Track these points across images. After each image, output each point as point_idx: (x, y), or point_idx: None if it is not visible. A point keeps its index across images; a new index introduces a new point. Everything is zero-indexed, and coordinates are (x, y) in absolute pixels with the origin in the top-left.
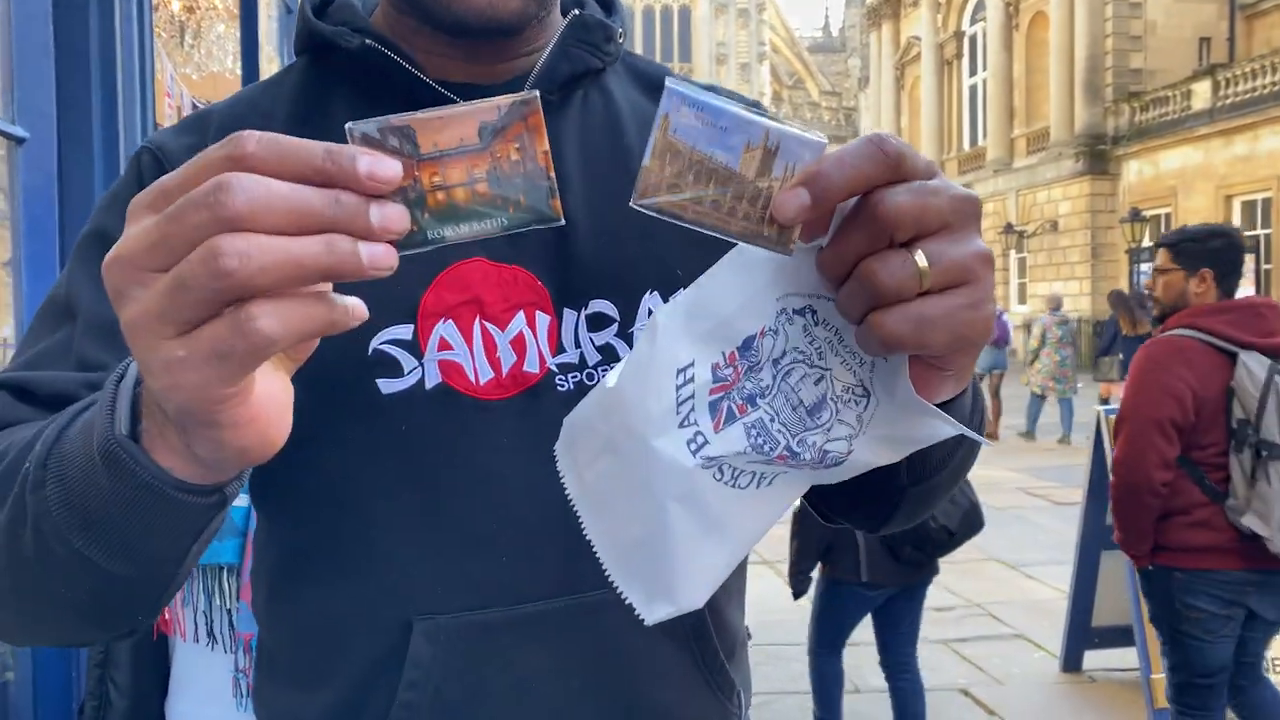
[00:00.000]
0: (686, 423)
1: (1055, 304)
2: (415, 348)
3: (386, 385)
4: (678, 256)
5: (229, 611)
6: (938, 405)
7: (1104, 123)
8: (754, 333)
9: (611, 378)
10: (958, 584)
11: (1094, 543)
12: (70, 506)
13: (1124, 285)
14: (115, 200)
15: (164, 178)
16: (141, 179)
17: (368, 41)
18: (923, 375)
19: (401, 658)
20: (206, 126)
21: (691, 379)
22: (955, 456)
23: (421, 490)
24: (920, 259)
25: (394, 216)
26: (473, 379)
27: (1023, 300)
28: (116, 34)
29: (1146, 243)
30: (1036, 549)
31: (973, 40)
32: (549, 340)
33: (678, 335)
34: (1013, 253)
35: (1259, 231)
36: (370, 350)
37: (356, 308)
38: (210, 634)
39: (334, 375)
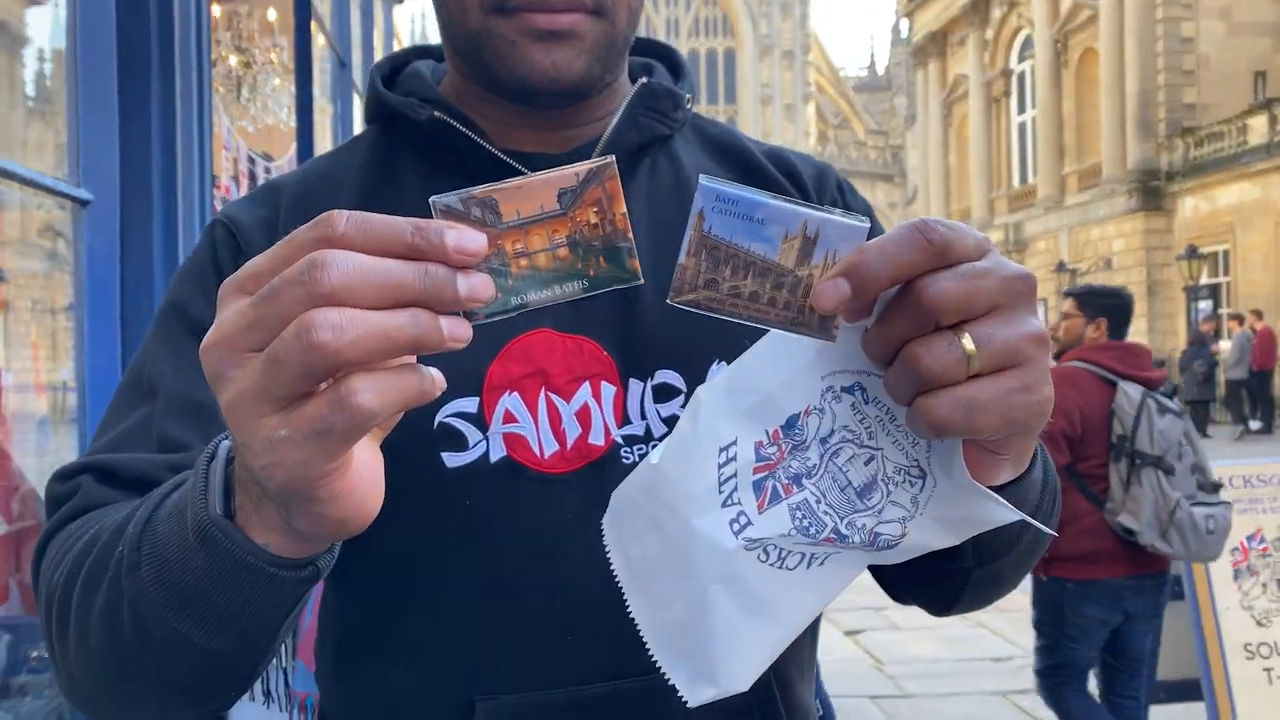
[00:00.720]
0: (729, 502)
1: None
2: (480, 420)
3: (451, 459)
4: (745, 326)
5: (285, 670)
6: (999, 487)
7: (1157, 158)
8: (798, 411)
9: (655, 454)
10: (1015, 633)
11: None
12: (167, 587)
13: (1182, 323)
14: (190, 273)
15: (255, 259)
16: (215, 251)
17: (436, 114)
18: (978, 458)
19: None
20: (278, 198)
21: (734, 458)
22: (1023, 540)
23: (486, 566)
24: (968, 342)
25: (479, 286)
26: (537, 452)
27: None
28: (177, 94)
29: (1205, 280)
30: None
31: (1021, 78)
32: (615, 412)
33: (720, 412)
34: None
35: None
36: (435, 424)
37: (439, 378)
38: (266, 692)
39: (399, 449)
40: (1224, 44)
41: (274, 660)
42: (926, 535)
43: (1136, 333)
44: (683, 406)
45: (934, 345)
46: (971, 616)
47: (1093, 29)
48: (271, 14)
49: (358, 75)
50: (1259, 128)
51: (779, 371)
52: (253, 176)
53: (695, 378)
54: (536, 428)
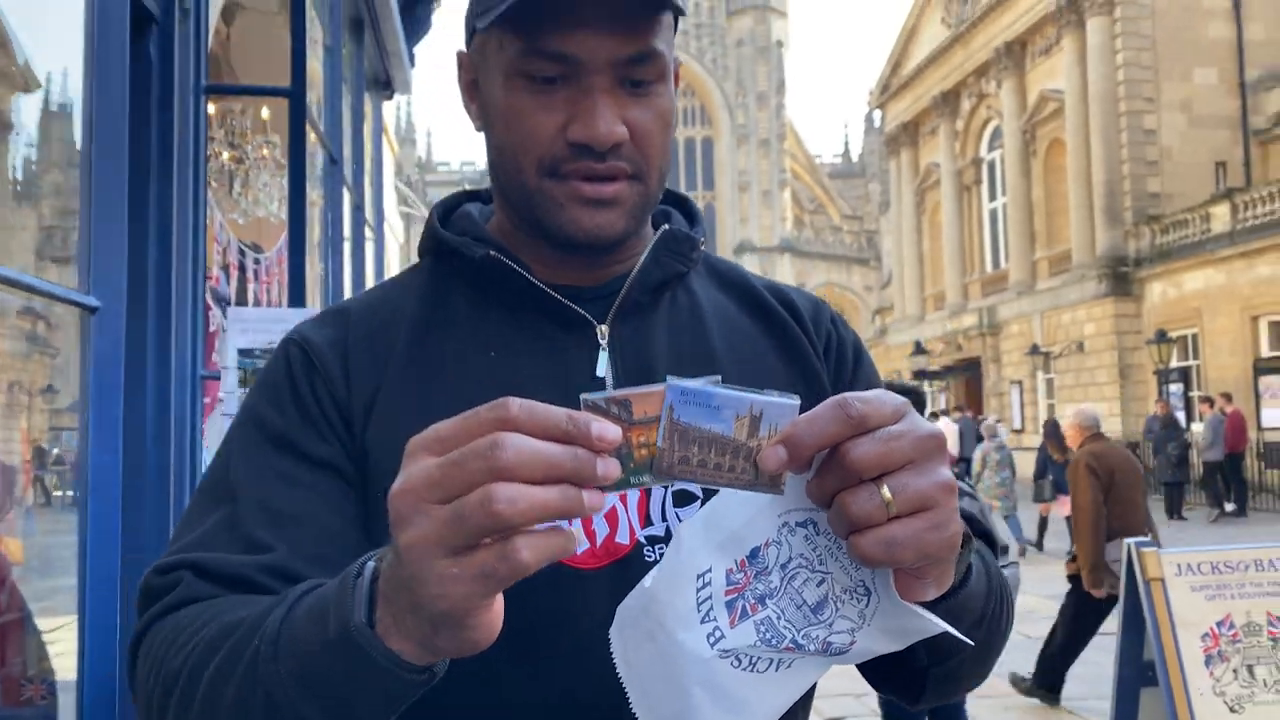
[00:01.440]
0: (706, 619)
1: (991, 432)
2: None
3: None
4: None
5: None
6: (932, 603)
7: (1125, 245)
8: (759, 544)
9: (648, 579)
10: (992, 718)
11: (1133, 680)
12: (302, 680)
13: (1154, 405)
14: (267, 387)
15: (440, 426)
16: (291, 368)
17: (490, 252)
18: (905, 581)
19: None
20: (346, 320)
21: (709, 582)
22: (974, 640)
23: (525, 654)
24: (886, 492)
25: (612, 469)
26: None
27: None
28: (174, 195)
29: (1175, 363)
30: (1075, 682)
31: (991, 166)
32: (639, 514)
33: (698, 545)
34: (1040, 374)
35: None
36: None
37: (579, 536)
38: None
39: None
40: (1185, 136)
41: None
42: (873, 642)
43: (1110, 415)
44: (700, 507)
45: (858, 495)
46: None
47: (1059, 120)
48: (265, 112)
49: (347, 170)
50: (1221, 216)
51: (744, 512)
52: (242, 267)
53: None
54: (571, 527)
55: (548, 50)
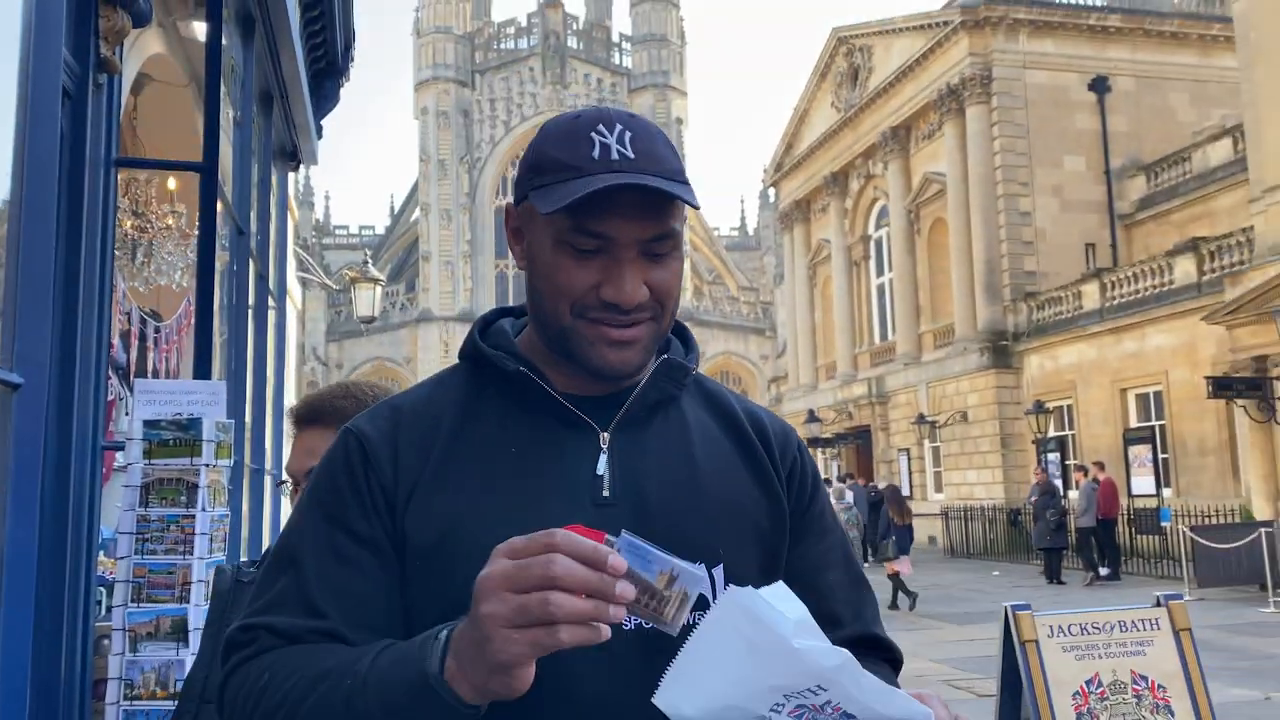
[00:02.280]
0: None
1: (839, 495)
2: None
3: None
4: (720, 541)
5: None
6: None
7: (1004, 320)
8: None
9: None
10: None
11: None
12: (385, 709)
13: (1034, 473)
14: (328, 474)
15: (514, 541)
16: (349, 457)
17: (521, 369)
18: None
19: None
20: (398, 418)
21: None
22: None
23: (526, 695)
24: None
25: (627, 591)
26: None
27: (939, 489)
28: (81, 269)
29: (1053, 432)
30: None
31: (879, 243)
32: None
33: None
34: (926, 442)
35: (1154, 422)
36: None
37: (606, 632)
38: None
39: (467, 603)
40: (1058, 219)
41: None
42: None
43: (993, 482)
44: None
45: None
46: None
47: (942, 201)
48: (171, 182)
49: (253, 241)
50: (1091, 294)
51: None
52: (142, 336)
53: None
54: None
55: (591, 230)
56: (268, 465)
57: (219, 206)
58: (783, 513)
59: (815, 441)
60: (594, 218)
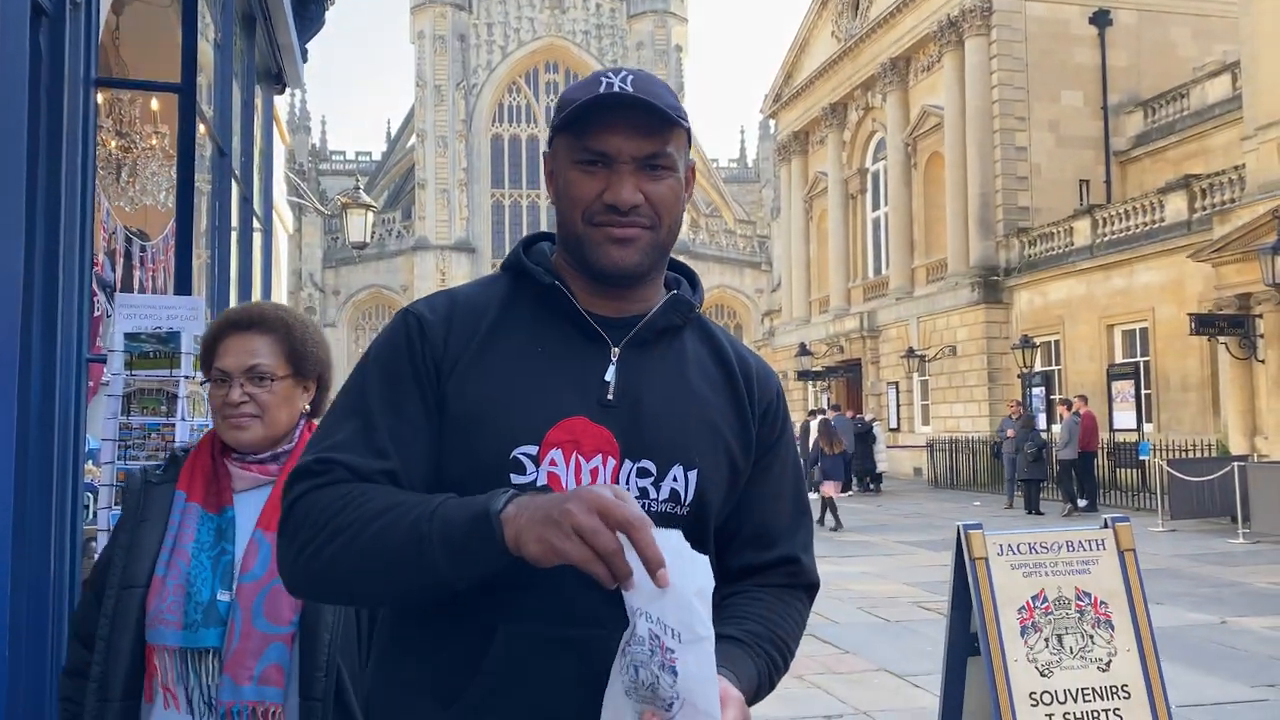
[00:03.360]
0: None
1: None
2: (535, 460)
3: (516, 478)
4: (696, 450)
5: (209, 686)
6: None
7: (996, 255)
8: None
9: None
10: (846, 692)
11: (960, 650)
12: (444, 537)
13: (1008, 406)
14: (390, 342)
15: (623, 492)
16: (408, 331)
17: (555, 283)
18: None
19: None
20: (453, 305)
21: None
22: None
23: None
24: None
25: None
26: (564, 486)
27: (926, 422)
28: (62, 185)
29: (1039, 367)
30: (923, 659)
31: (875, 176)
32: (611, 475)
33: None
34: (915, 376)
35: (1138, 359)
36: (510, 456)
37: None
38: (190, 706)
39: (488, 467)
40: (1053, 154)
41: (203, 679)
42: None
43: (979, 415)
44: (651, 484)
45: None
46: (808, 678)
47: (939, 135)
48: (154, 103)
49: (236, 162)
50: (1083, 230)
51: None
52: (128, 254)
53: (661, 470)
54: (566, 472)
55: (592, 148)
56: None
57: (199, 128)
58: (750, 442)
59: (806, 374)
60: (593, 136)
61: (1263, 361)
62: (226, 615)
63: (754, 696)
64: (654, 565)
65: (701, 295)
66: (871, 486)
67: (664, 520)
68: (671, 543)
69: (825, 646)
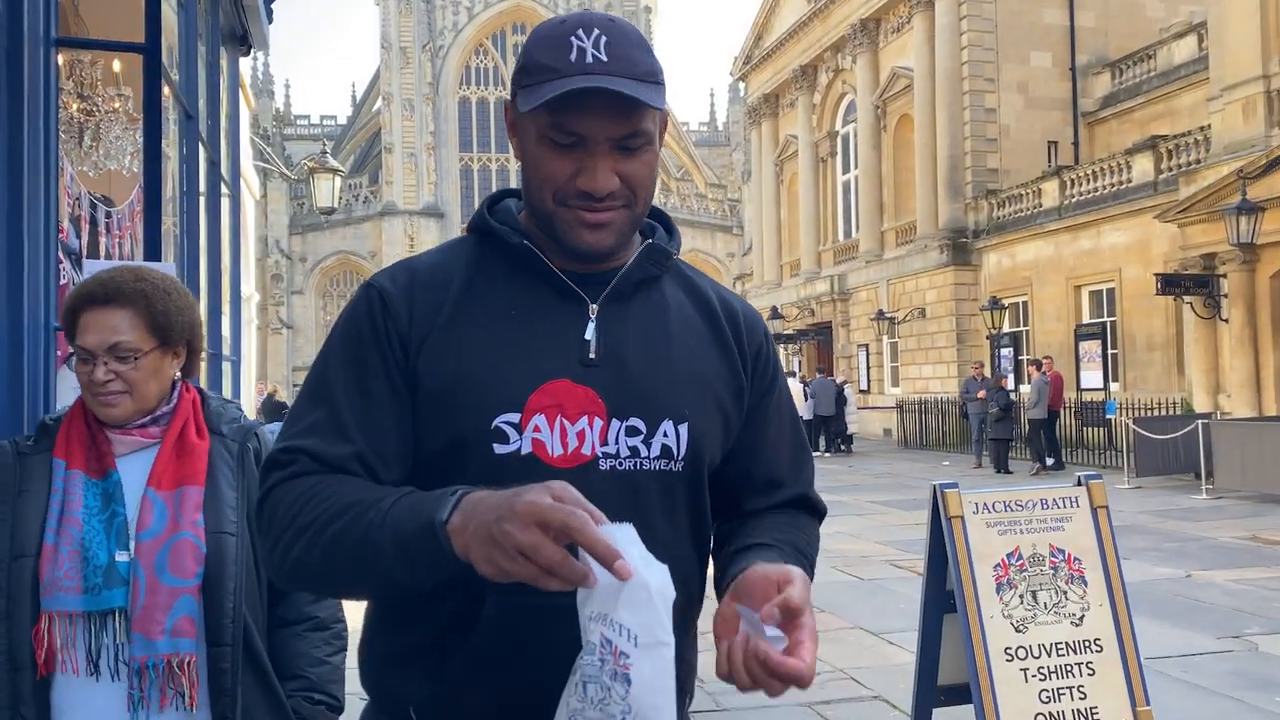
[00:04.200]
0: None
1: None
2: (519, 428)
3: (498, 448)
4: (685, 404)
5: (119, 645)
6: None
7: (965, 218)
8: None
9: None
10: (823, 650)
11: (936, 607)
12: (395, 543)
13: (972, 368)
14: (353, 321)
15: (567, 492)
16: (370, 308)
17: (524, 243)
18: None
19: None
20: (414, 276)
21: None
22: None
23: None
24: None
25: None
26: (550, 452)
27: (895, 383)
28: (24, 150)
29: (1007, 328)
30: (898, 617)
31: (845, 139)
32: (600, 436)
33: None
34: (885, 338)
35: (1105, 319)
36: (492, 426)
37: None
38: (95, 668)
39: (469, 439)
40: (1021, 116)
41: (106, 640)
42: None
43: (948, 376)
44: (641, 441)
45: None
46: None
47: (909, 97)
48: (116, 64)
49: (202, 126)
50: (1051, 192)
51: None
52: (93, 221)
53: (651, 426)
54: (551, 438)
55: (567, 129)
56: (225, 350)
57: (164, 90)
58: (742, 389)
59: (778, 338)
60: (569, 117)
61: (1226, 321)
62: (128, 574)
63: None
64: (607, 560)
65: (679, 241)
66: (843, 448)
67: (660, 479)
68: (626, 535)
69: None
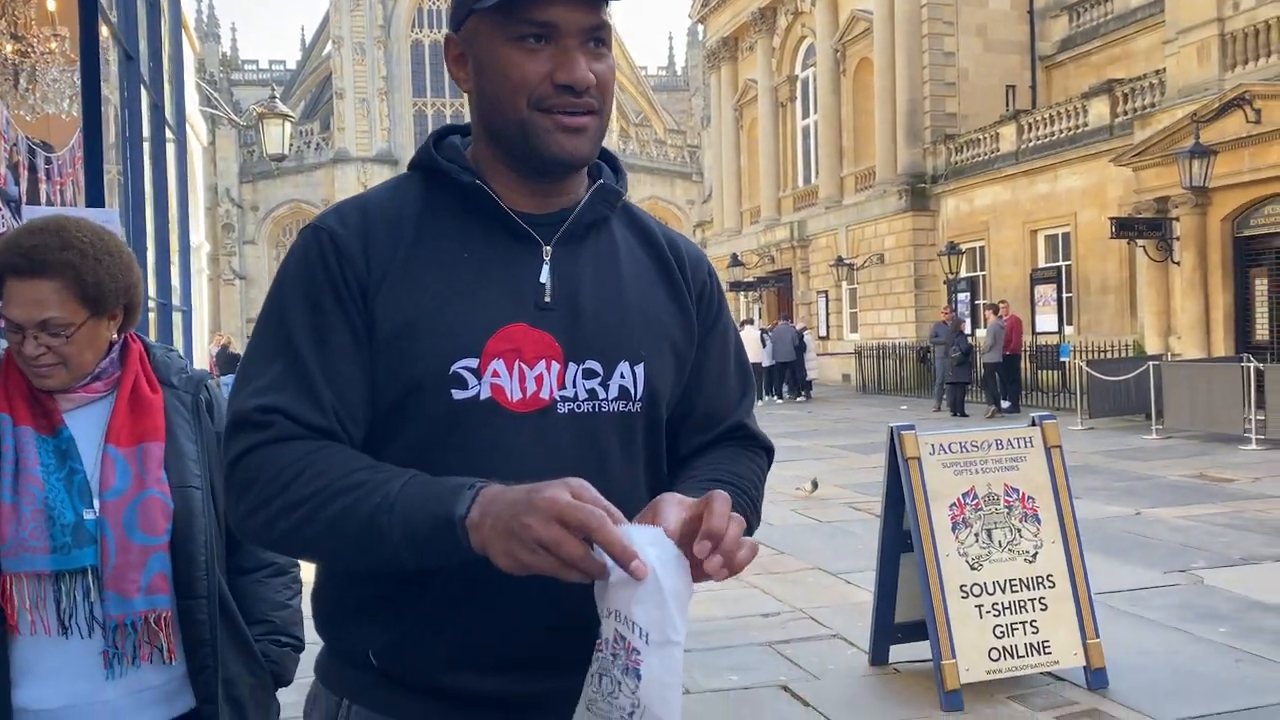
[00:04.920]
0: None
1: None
2: (477, 373)
3: (457, 394)
4: (640, 344)
5: (92, 604)
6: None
7: (924, 162)
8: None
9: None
10: (783, 591)
11: (893, 546)
12: (406, 533)
13: (942, 312)
14: (305, 264)
15: (585, 490)
16: (323, 251)
17: (477, 182)
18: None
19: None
20: (365, 215)
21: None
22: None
23: (469, 465)
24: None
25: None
26: (509, 397)
27: (854, 329)
28: None
29: (964, 274)
30: (856, 557)
31: (805, 84)
32: (557, 380)
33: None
34: (844, 284)
35: (1060, 263)
36: (450, 371)
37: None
38: (64, 627)
39: (427, 385)
40: (980, 60)
41: (79, 599)
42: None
43: (905, 322)
44: (599, 384)
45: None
46: (746, 579)
47: (868, 40)
48: (51, 3)
49: (144, 67)
50: (1009, 136)
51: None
52: (32, 167)
53: (608, 369)
54: (510, 383)
55: (536, 20)
56: (175, 301)
57: (103, 30)
58: (692, 326)
59: (738, 285)
60: (539, 8)
61: (1178, 264)
62: (95, 533)
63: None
64: (624, 560)
65: (625, 181)
66: (802, 395)
67: (619, 420)
68: (650, 536)
69: (761, 548)
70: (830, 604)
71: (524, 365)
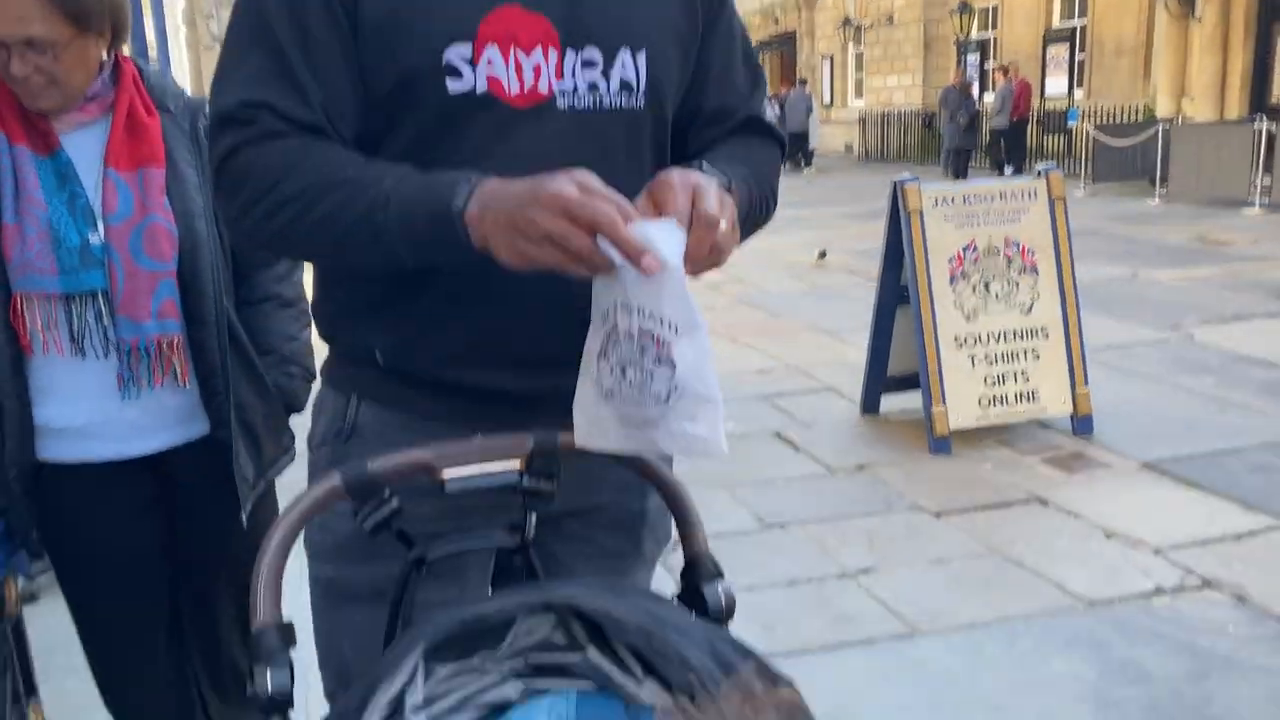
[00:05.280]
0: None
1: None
2: (471, 63)
3: (452, 85)
4: (641, 27)
5: (105, 327)
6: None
7: None
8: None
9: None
10: (780, 350)
11: (889, 300)
12: (404, 227)
13: (953, 76)
14: None
15: (591, 181)
16: None
17: None
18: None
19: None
20: None
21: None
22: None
23: (467, 160)
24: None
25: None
26: (507, 90)
27: (860, 94)
28: None
29: (975, 35)
30: (852, 318)
31: None
32: (555, 71)
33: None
34: (851, 47)
35: (1075, 22)
36: (444, 61)
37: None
38: (80, 349)
39: (417, 76)
40: None
41: (90, 321)
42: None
43: (913, 86)
44: (602, 74)
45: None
46: (741, 340)
47: None
48: None
49: None
50: None
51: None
52: None
53: (609, 57)
54: (507, 73)
55: None
56: (152, 59)
57: None
58: (696, 20)
59: None
60: None
61: (1199, 20)
62: (102, 257)
63: (744, 216)
64: (634, 256)
65: None
66: (803, 164)
67: (622, 119)
68: (664, 229)
69: (757, 312)
70: (825, 361)
71: (520, 52)
